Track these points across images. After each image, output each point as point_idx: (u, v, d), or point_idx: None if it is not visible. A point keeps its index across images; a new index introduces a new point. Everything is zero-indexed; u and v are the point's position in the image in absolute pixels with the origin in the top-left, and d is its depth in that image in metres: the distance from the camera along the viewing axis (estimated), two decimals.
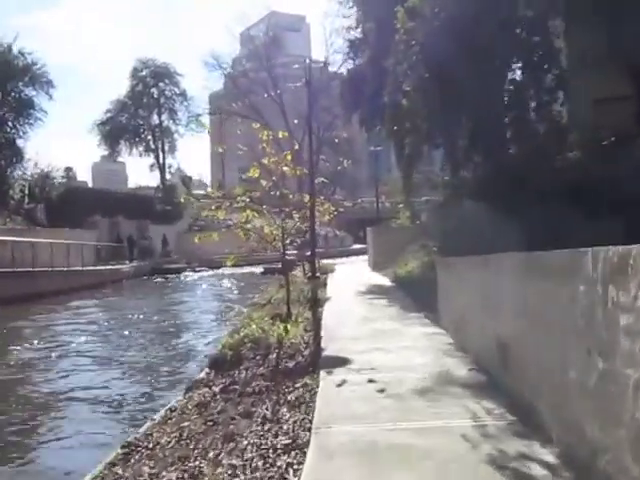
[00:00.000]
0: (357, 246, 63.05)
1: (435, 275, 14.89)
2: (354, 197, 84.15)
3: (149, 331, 16.59)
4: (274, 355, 8.58)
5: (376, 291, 15.71)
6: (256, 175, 11.30)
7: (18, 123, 39.22)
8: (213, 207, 10.78)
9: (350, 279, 20.21)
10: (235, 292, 27.68)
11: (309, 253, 17.09)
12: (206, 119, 62.30)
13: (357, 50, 26.40)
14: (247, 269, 41.86)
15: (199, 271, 42.03)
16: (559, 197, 9.87)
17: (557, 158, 11.68)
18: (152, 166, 62.21)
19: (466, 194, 18.73)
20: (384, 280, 19.11)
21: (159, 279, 36.55)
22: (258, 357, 8.69)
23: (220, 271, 40.44)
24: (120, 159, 68.80)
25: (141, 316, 19.02)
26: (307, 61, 18.40)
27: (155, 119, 61.19)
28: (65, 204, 40.71)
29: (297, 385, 6.83)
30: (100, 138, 59.91)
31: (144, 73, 60.00)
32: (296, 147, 19.81)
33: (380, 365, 7.17)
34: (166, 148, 61.81)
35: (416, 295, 13.45)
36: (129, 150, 61.20)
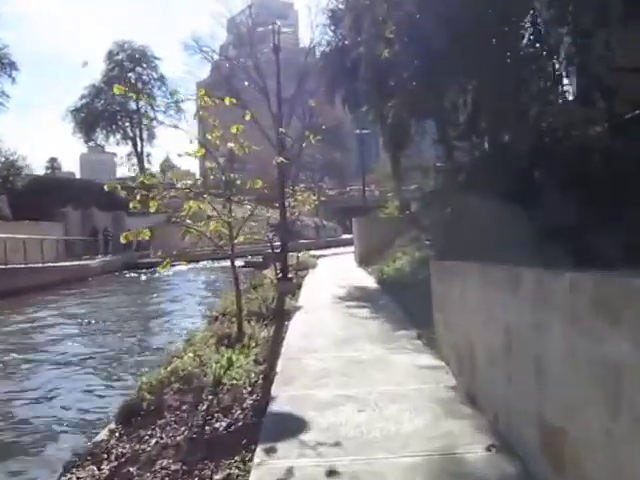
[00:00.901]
0: (346, 236, 60.67)
1: (429, 277, 12.49)
2: (343, 186, 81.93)
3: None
4: (205, 405, 6.07)
5: (358, 296, 13.19)
6: (200, 155, 8.77)
7: None
8: (138, 197, 8.18)
9: (331, 278, 17.68)
10: (209, 291, 25.10)
11: (279, 250, 14.63)
12: (189, 106, 59.65)
13: (338, 21, 23.79)
14: (227, 262, 39.25)
15: (175, 265, 39.35)
16: (581, 182, 7.66)
17: (574, 135, 9.36)
18: (129, 155, 59.36)
19: (464, 180, 16.40)
20: (369, 280, 16.63)
21: (132, 275, 33.94)
22: (185, 406, 6.18)
23: (199, 265, 38.01)
24: (108, 149, 66.09)
25: (75, 335, 15.26)
26: (276, 26, 15.72)
27: (132, 105, 58.17)
28: (32, 195, 37.88)
29: (217, 477, 4.34)
30: (74, 125, 56.90)
31: (120, 56, 56.98)
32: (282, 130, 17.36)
33: (350, 435, 4.65)
34: (144, 136, 58.90)
35: (406, 302, 11.01)
36: (106, 138, 58.29)
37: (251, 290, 13.78)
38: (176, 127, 9.65)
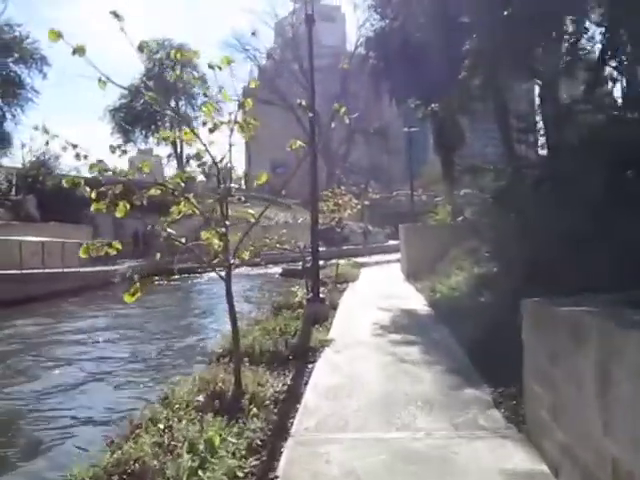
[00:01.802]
0: (392, 242, 57.94)
1: (495, 302, 9.77)
2: (389, 190, 79.11)
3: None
4: None
5: (406, 325, 10.46)
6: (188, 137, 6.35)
7: (6, 103, 34.65)
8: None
9: (373, 296, 14.95)
10: (241, 302, 22.62)
11: (309, 264, 12.10)
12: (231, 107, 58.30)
13: (386, 4, 21.12)
14: (266, 269, 37.51)
15: (210, 271, 37.19)
16: None
17: None
18: (169, 156, 57.66)
19: (537, 180, 13.76)
20: (419, 300, 13.88)
21: (161, 282, 31.86)
22: None
23: (234, 271, 35.69)
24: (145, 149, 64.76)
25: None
26: None
27: (172, 105, 56.45)
28: (61, 196, 36.18)
29: None
30: (113, 126, 55.46)
31: (160, 55, 55.26)
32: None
33: None
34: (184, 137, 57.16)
35: (468, 339, 8.34)
36: (145, 139, 56.66)
37: (272, 315, 11.26)
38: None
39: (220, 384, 6.09)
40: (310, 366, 7.57)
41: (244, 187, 68.71)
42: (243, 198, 6.60)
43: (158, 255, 7.17)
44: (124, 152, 6.22)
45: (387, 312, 11.76)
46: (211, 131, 6.01)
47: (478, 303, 10.84)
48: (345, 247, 49.88)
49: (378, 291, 16.21)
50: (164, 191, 5.82)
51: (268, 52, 65.45)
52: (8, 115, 34.79)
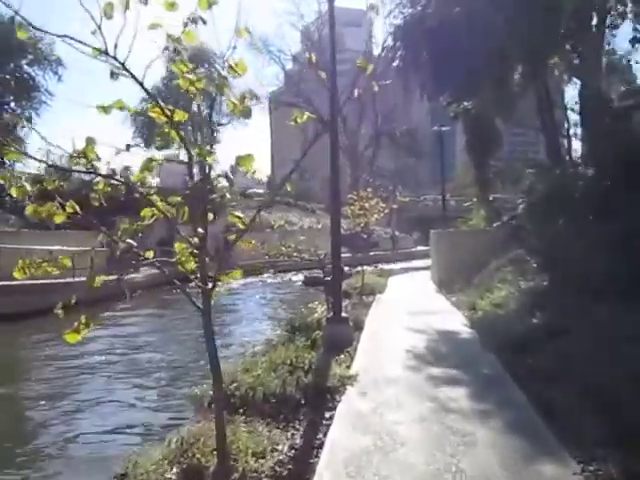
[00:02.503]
0: (420, 248, 56.02)
1: (555, 324, 8.04)
2: (417, 194, 77.10)
3: None
4: None
5: (446, 354, 8.57)
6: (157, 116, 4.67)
7: (20, 106, 33.46)
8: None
9: (403, 313, 13.05)
10: (262, 316, 20.90)
11: (329, 277, 10.41)
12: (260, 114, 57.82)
13: None
14: (289, 276, 36.13)
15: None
16: None
17: None
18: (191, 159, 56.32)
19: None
20: (457, 318, 12.00)
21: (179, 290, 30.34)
22: None
23: (256, 279, 34.39)
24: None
25: None
26: None
27: (194, 107, 55.24)
28: (78, 202, 34.95)
29: None
30: (135, 130, 54.20)
31: (181, 56, 54.01)
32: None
33: None
34: (206, 141, 55.83)
35: (529, 376, 6.57)
36: (167, 143, 55.50)
37: (286, 338, 9.53)
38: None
39: (199, 455, 4.40)
40: (328, 415, 5.85)
41: (262, 191, 67.64)
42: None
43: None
44: (128, 148, 4.56)
45: (421, 335, 9.94)
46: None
47: (531, 326, 9.04)
48: (372, 253, 48.16)
49: (409, 305, 14.40)
50: (116, 188, 4.16)
51: (293, 56, 63.91)
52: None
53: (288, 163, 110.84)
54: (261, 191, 69.64)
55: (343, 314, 9.80)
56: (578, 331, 7.98)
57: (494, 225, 22.33)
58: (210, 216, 4.50)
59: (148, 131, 53.94)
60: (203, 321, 4.32)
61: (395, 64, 20.15)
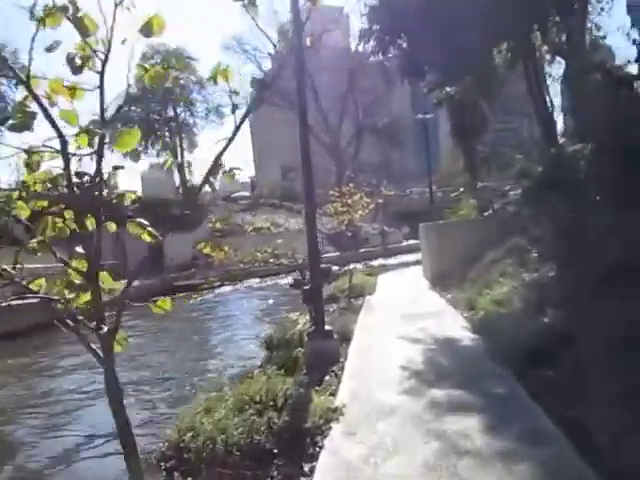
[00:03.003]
0: (407, 242, 54.95)
1: (571, 323, 6.96)
2: (403, 188, 75.99)
3: None
4: None
5: (449, 369, 7.19)
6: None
7: None
8: None
9: (396, 317, 11.73)
10: (250, 330, 19.48)
11: (307, 286, 9.15)
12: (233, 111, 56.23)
13: None
14: (278, 279, 34.95)
15: (218, 286, 34.39)
16: None
17: None
18: (169, 166, 54.79)
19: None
20: (455, 319, 10.70)
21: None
22: None
23: (243, 285, 33.24)
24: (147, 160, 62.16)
25: None
26: None
27: (170, 112, 53.75)
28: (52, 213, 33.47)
29: None
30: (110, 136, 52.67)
31: (155, 60, 52.42)
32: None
33: None
34: (184, 145, 54.37)
35: (554, 395, 5.35)
36: (144, 149, 53.80)
37: (263, 360, 8.24)
38: None
39: None
40: (307, 468, 4.59)
41: (245, 193, 66.19)
42: None
43: None
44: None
45: (417, 345, 8.64)
46: None
47: (543, 327, 7.80)
48: (362, 250, 46.96)
49: (401, 307, 13.11)
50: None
51: (270, 54, 62.42)
52: None
53: (273, 163, 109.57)
54: (246, 194, 68.50)
55: (327, 327, 8.51)
56: (598, 331, 6.79)
57: (485, 214, 21.19)
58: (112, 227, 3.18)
59: None
60: (105, 377, 3.02)
61: (371, 48, 18.89)
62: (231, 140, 3.27)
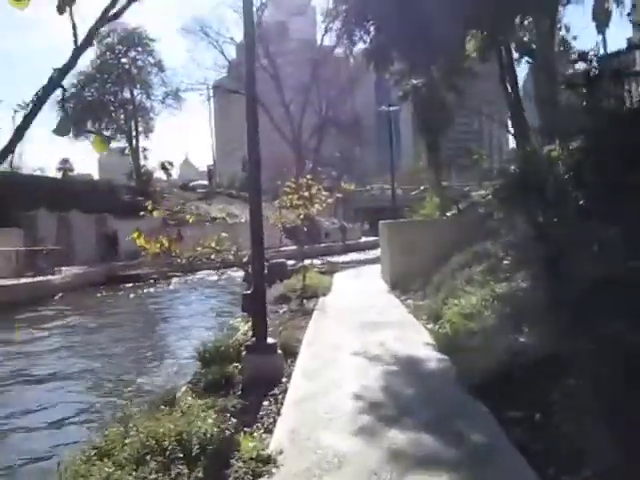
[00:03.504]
0: (366, 239, 54.20)
1: (554, 346, 5.87)
2: (363, 184, 75.16)
3: None
4: None
5: (414, 400, 5.79)
6: None
7: None
8: None
9: (352, 326, 10.42)
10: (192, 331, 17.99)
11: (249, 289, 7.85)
12: (191, 96, 54.76)
13: None
14: (233, 272, 33.35)
15: (167, 277, 32.64)
16: None
17: None
18: (124, 150, 52.60)
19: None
20: (419, 333, 9.44)
21: (104, 293, 27.23)
22: None
23: (195, 277, 31.55)
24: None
25: None
26: None
27: (127, 95, 51.56)
28: None
29: None
30: (62, 117, 50.05)
31: (111, 39, 50.20)
32: None
33: None
34: (140, 129, 52.19)
35: (549, 448, 4.15)
36: (97, 130, 51.48)
37: (198, 376, 6.89)
38: None
39: None
40: None
41: (204, 182, 64.32)
42: None
43: None
44: None
45: (375, 365, 7.35)
46: None
47: (522, 349, 6.65)
48: (322, 245, 45.89)
49: (357, 314, 11.86)
50: None
51: (232, 38, 60.52)
52: None
53: (234, 155, 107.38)
54: (204, 182, 66.54)
55: (270, 339, 7.20)
56: (586, 358, 5.70)
57: (448, 214, 20.18)
58: None
59: (75, 118, 50.14)
60: None
61: (335, 31, 17.66)
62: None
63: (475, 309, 9.14)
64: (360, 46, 16.61)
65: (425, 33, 15.19)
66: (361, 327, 10.15)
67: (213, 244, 10.17)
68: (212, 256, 9.66)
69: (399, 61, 16.85)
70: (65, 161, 64.14)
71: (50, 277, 27.03)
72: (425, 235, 15.98)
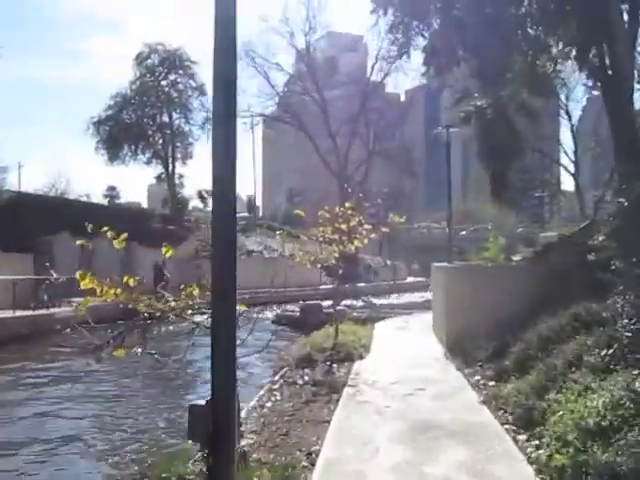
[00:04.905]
0: (412, 279, 50.46)
1: None
2: (410, 221, 71.44)
3: None
4: None
5: None
6: None
7: None
8: None
9: (397, 424, 6.76)
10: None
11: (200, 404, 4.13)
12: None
13: None
14: (263, 312, 30.12)
15: (194, 313, 29.40)
16: None
17: None
18: (160, 176, 50.08)
19: None
20: (513, 462, 5.65)
21: (110, 331, 23.91)
22: None
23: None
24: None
25: None
26: None
27: (165, 119, 49.11)
28: (6, 217, 29.06)
29: None
30: (98, 140, 47.91)
31: (152, 60, 47.97)
32: None
33: None
34: (178, 155, 49.53)
35: None
36: (134, 155, 49.05)
37: None
38: None
39: None
40: None
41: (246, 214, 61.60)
42: None
43: None
44: None
45: None
46: None
47: None
48: (369, 284, 42.27)
49: (405, 401, 8.17)
50: None
51: (278, 64, 57.97)
52: None
53: (280, 187, 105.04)
54: (245, 214, 63.84)
55: None
56: None
57: (515, 258, 16.59)
58: None
59: (111, 141, 47.93)
60: None
61: (386, 28, 14.31)
62: None
63: (605, 420, 5.46)
64: (419, 43, 13.25)
65: (500, 34, 11.84)
66: (411, 431, 6.49)
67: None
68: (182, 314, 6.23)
69: (465, 61, 13.37)
70: (112, 188, 62.34)
71: (50, 311, 23.97)
72: (493, 284, 12.26)
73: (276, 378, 10.51)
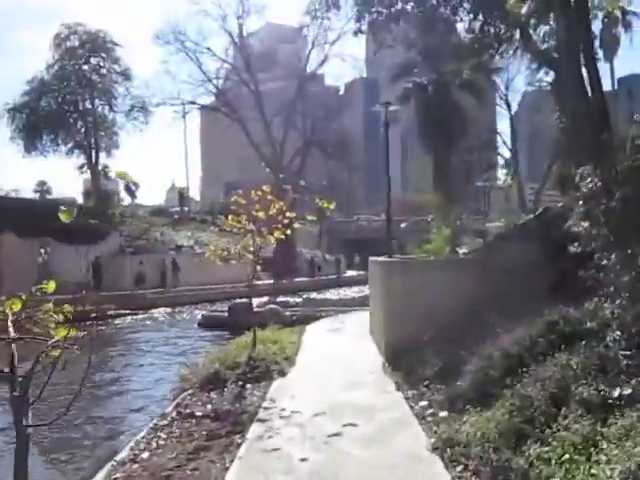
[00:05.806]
0: (351, 273, 48.79)
1: None
2: (350, 214, 69.78)
3: None
4: None
5: None
6: None
7: None
8: None
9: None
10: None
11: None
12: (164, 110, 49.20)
13: None
14: (190, 310, 29.64)
15: (115, 316, 26.97)
16: None
17: None
18: (82, 167, 46.60)
19: None
20: None
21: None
22: None
23: (145, 316, 26.85)
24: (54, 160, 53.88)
25: None
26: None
27: (87, 105, 45.72)
28: None
29: None
30: (14, 129, 44.23)
31: (71, 42, 44.44)
32: None
33: None
34: (102, 145, 46.22)
35: None
36: (55, 145, 45.49)
37: None
38: None
39: None
40: None
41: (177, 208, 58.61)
42: None
43: None
44: None
45: None
46: None
47: None
48: (294, 279, 40.51)
49: (328, 462, 5.98)
50: None
51: (210, 49, 54.78)
52: None
53: (218, 181, 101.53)
54: (177, 208, 60.67)
55: None
56: None
57: (461, 251, 14.87)
58: None
59: (28, 130, 44.24)
60: None
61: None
62: None
63: None
64: None
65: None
66: None
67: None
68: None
69: (405, 20, 11.36)
70: (42, 183, 59.02)
71: None
72: (439, 282, 10.32)
73: (168, 409, 8.22)
